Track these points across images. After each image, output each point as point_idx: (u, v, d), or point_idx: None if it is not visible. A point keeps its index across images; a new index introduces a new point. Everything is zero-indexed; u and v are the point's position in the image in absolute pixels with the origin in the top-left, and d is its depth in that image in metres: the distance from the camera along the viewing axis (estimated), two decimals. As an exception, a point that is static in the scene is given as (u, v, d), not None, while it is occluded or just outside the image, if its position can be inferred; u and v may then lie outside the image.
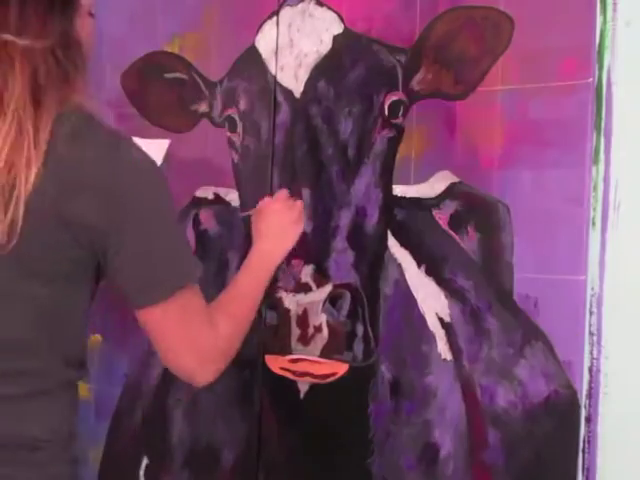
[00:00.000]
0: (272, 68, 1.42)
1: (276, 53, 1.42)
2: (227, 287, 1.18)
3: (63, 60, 0.98)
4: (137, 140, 1.34)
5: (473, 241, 1.25)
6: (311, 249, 1.37)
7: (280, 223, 1.28)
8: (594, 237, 1.15)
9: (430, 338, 1.27)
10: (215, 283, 1.48)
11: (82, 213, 0.94)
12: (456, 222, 1.26)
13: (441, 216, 1.27)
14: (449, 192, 1.27)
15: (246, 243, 1.45)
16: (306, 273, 1.37)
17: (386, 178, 1.32)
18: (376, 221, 1.33)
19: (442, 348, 1.26)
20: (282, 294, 1.38)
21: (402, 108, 1.31)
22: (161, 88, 1.57)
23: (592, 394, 1.14)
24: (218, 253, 1.49)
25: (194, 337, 1.03)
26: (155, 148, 1.37)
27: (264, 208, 1.30)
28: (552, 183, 1.18)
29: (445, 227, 1.27)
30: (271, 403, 1.43)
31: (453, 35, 1.26)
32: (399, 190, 1.31)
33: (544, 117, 1.19)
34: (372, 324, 1.32)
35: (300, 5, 1.40)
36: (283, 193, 1.33)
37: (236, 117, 1.47)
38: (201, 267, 1.05)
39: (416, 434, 1.28)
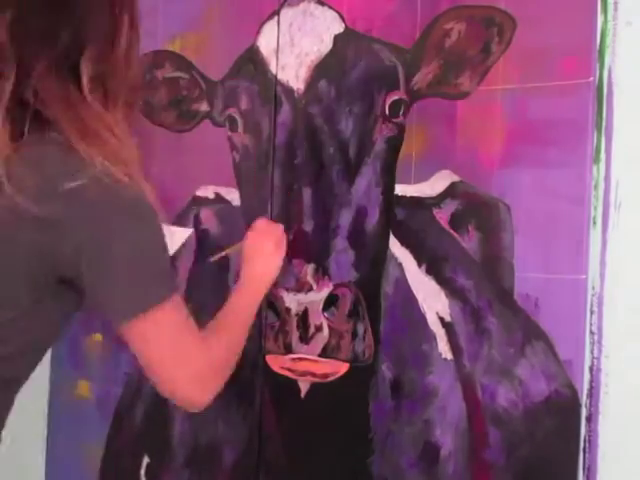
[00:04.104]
0: (273, 67, 1.42)
1: (277, 52, 1.42)
2: (219, 314, 1.18)
3: None
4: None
5: (473, 240, 1.25)
6: (312, 248, 1.37)
7: (265, 251, 1.29)
8: (595, 236, 1.15)
9: (431, 337, 1.27)
10: (215, 283, 1.48)
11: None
12: (456, 221, 1.26)
13: (441, 215, 1.27)
14: (450, 191, 1.27)
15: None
16: (307, 272, 1.37)
17: (387, 177, 1.32)
18: (377, 220, 1.33)
19: (443, 347, 1.26)
20: (283, 293, 1.38)
21: (403, 107, 1.31)
22: (162, 87, 1.57)
23: (593, 393, 1.14)
24: (219, 253, 1.49)
25: (184, 354, 1.00)
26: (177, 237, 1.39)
27: (248, 239, 1.31)
28: (553, 182, 1.18)
29: (445, 226, 1.27)
30: (272, 402, 1.43)
31: (454, 34, 1.26)
32: (400, 189, 1.31)
33: (545, 116, 1.19)
34: (373, 323, 1.32)
35: (301, 4, 1.40)
36: (263, 221, 1.35)
37: (237, 116, 1.47)
38: (178, 286, 1.03)
39: (417, 433, 1.28)
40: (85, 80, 0.94)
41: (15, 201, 0.88)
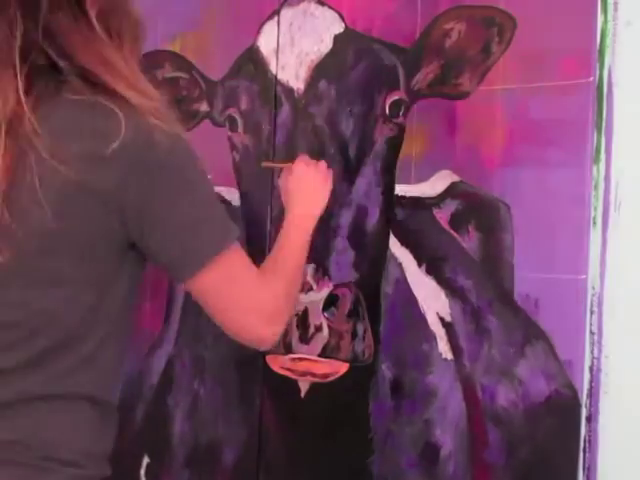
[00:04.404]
0: (273, 67, 1.42)
1: (277, 52, 1.42)
2: (271, 253, 1.16)
3: None
4: None
5: (473, 240, 1.25)
6: (312, 248, 1.37)
7: (311, 185, 1.27)
8: (595, 236, 1.15)
9: (431, 337, 1.27)
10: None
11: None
12: (457, 221, 1.26)
13: (442, 215, 1.27)
14: (450, 191, 1.27)
15: (246, 243, 1.45)
16: (307, 272, 1.37)
17: (387, 177, 1.32)
18: (377, 220, 1.33)
19: (443, 347, 1.26)
20: (283, 293, 1.38)
21: (403, 107, 1.31)
22: (162, 87, 1.57)
23: (593, 393, 1.14)
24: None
25: (250, 296, 0.99)
26: None
27: (293, 170, 1.29)
28: (553, 182, 1.18)
29: (446, 226, 1.27)
30: (272, 402, 1.43)
31: (454, 34, 1.26)
32: (400, 189, 1.31)
33: (545, 117, 1.19)
34: (373, 323, 1.32)
35: (301, 4, 1.40)
36: (305, 157, 1.32)
37: (237, 116, 1.47)
38: (237, 229, 1.00)
39: (417, 433, 1.28)
40: (93, 14, 0.90)
41: (63, 173, 0.86)
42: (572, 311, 1.16)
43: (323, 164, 1.30)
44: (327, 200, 1.27)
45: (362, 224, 1.34)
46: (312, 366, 1.34)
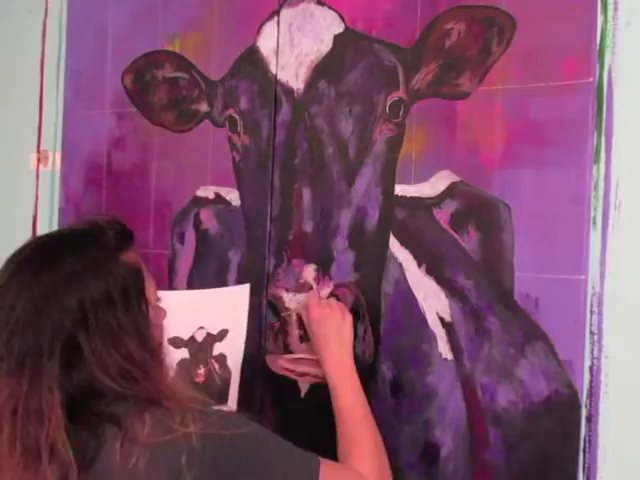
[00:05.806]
0: (273, 67, 1.42)
1: (277, 52, 1.42)
2: (342, 432, 1.19)
3: None
4: (219, 290, 1.42)
5: (473, 240, 1.25)
6: (312, 248, 1.37)
7: (334, 327, 1.27)
8: (595, 236, 1.15)
9: (431, 337, 1.27)
10: (216, 282, 1.48)
11: None
12: (457, 221, 1.26)
13: (442, 215, 1.27)
14: (450, 191, 1.27)
15: (246, 243, 1.45)
16: (307, 273, 1.37)
17: (387, 177, 1.32)
18: (377, 220, 1.33)
19: (443, 347, 1.26)
20: (283, 294, 1.38)
21: (403, 107, 1.31)
22: (162, 87, 1.57)
23: (593, 393, 1.14)
24: (219, 252, 1.49)
25: None
26: (237, 295, 1.40)
27: (309, 317, 1.30)
28: (553, 182, 1.18)
29: (446, 226, 1.27)
30: (272, 403, 1.43)
31: (454, 34, 1.26)
32: (400, 189, 1.31)
33: (545, 117, 1.19)
34: (373, 323, 1.32)
35: (301, 4, 1.40)
36: (315, 296, 1.33)
37: (237, 117, 1.47)
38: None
39: (417, 433, 1.28)
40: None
41: None
42: (572, 311, 1.16)
43: (333, 300, 1.32)
44: (352, 333, 1.28)
45: (362, 224, 1.34)
46: (312, 366, 1.34)
